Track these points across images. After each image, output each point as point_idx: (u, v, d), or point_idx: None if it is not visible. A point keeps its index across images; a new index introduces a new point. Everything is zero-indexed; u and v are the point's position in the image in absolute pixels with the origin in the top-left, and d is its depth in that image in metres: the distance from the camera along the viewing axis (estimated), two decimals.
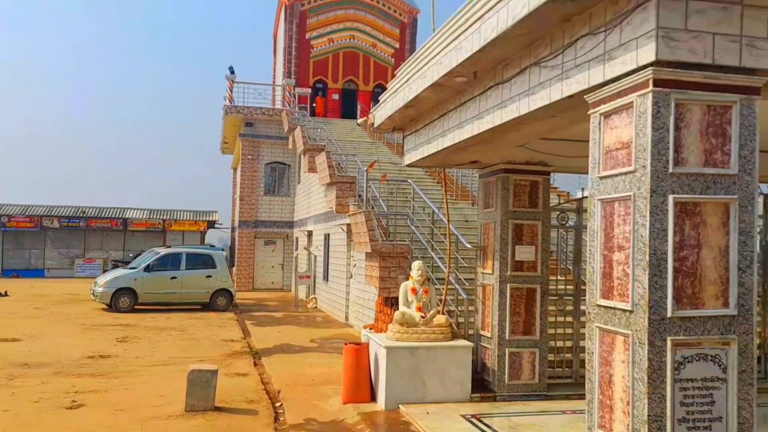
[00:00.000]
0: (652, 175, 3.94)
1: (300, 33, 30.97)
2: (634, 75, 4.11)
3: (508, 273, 8.48)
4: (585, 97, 4.66)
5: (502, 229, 8.50)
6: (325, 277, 20.40)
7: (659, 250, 3.93)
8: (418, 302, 8.66)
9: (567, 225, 9.24)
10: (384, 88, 32.93)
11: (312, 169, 19.44)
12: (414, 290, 8.72)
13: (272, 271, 28.33)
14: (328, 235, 20.11)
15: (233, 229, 33.11)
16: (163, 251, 20.99)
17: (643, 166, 4.00)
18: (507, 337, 8.46)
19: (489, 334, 8.68)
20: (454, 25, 5.98)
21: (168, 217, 35.58)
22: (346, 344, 8.82)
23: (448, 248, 9.32)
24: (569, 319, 9.28)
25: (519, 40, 5.31)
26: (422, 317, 8.52)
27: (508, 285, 8.48)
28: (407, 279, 9.98)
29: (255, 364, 11.73)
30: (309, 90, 29.83)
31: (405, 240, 11.73)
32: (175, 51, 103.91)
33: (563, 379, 9.09)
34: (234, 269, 27.58)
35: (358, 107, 30.73)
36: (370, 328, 12.39)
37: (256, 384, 10.07)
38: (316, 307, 21.27)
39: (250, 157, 27.87)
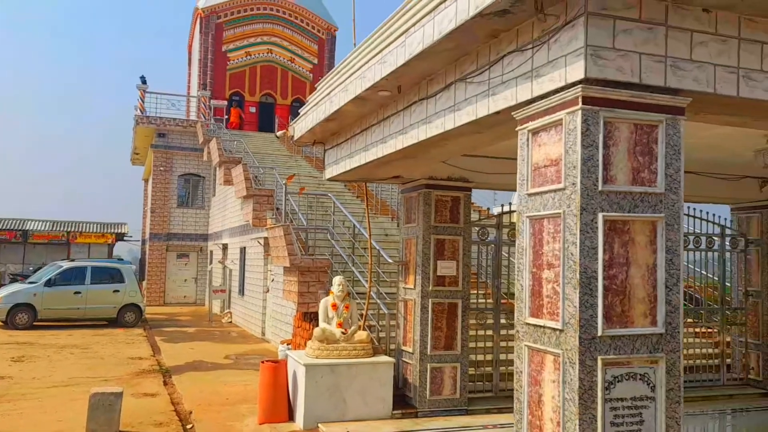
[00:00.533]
0: (582, 192, 3.91)
1: (216, 45, 30.25)
2: (562, 92, 4.09)
3: (430, 288, 8.42)
4: (513, 113, 4.62)
5: (423, 244, 8.43)
6: (241, 292, 19.87)
7: (589, 268, 3.90)
8: (339, 318, 8.46)
9: (487, 240, 9.28)
10: (302, 103, 32.68)
11: (228, 181, 18.94)
12: (335, 306, 8.52)
13: (185, 285, 27.43)
14: (244, 248, 19.62)
15: (144, 242, 31.88)
16: (66, 264, 19.93)
17: (573, 184, 3.97)
18: (429, 353, 8.38)
19: (411, 350, 8.57)
20: (379, 38, 5.87)
21: (73, 229, 33.72)
22: (263, 362, 8.51)
23: (370, 262, 9.19)
24: (489, 332, 9.30)
25: (445, 55, 5.25)
26: (343, 333, 8.32)
27: (430, 300, 8.42)
28: (327, 294, 9.76)
29: (165, 383, 11.19)
30: (225, 102, 29.19)
31: (325, 254, 11.51)
32: (86, 59, 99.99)
33: (483, 393, 9.09)
34: (144, 283, 26.52)
35: (276, 121, 30.29)
36: (288, 344, 12.08)
37: (166, 405, 9.58)
38: (231, 322, 20.68)
39: (162, 168, 26.97)
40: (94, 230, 33.69)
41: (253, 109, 30.71)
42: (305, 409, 7.85)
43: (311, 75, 31.51)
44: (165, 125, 26.63)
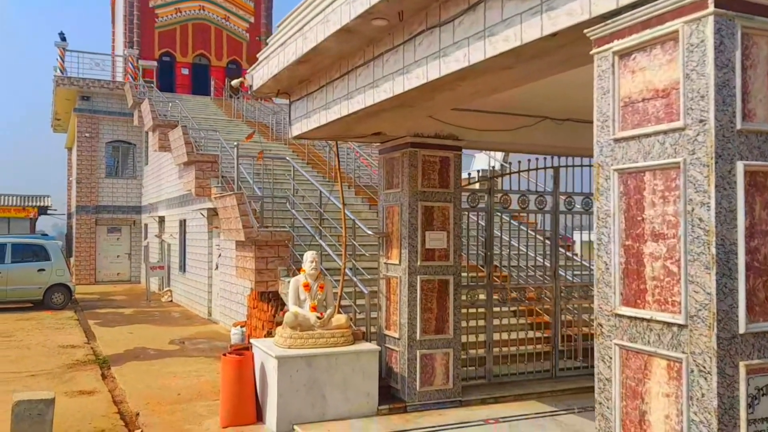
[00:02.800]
0: (717, 132, 2.78)
1: (142, 0, 27.92)
2: None
3: (418, 263, 7.25)
4: (585, 31, 3.44)
5: (410, 212, 7.24)
6: (182, 268, 18.28)
7: (727, 239, 2.78)
8: (313, 300, 7.22)
9: (478, 207, 8.14)
10: (239, 65, 30.30)
11: (164, 147, 17.18)
12: (307, 286, 7.26)
13: (118, 261, 25.50)
14: (185, 221, 17.98)
15: (70, 216, 29.58)
16: None
17: (701, 121, 2.82)
18: (418, 337, 7.24)
19: (396, 335, 7.42)
20: None
21: None
22: (225, 354, 7.22)
23: (344, 234, 7.91)
24: (481, 310, 8.22)
25: None
26: (319, 318, 7.10)
27: (418, 277, 7.25)
28: (288, 271, 8.50)
29: (103, 377, 9.73)
30: (155, 63, 27.04)
31: (285, 226, 10.18)
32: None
33: (476, 380, 8.04)
34: (72, 260, 24.48)
35: (212, 83, 28.28)
36: (242, 326, 10.80)
37: (107, 405, 8.16)
38: (171, 301, 19.10)
39: (87, 134, 24.78)
40: (14, 203, 31.13)
41: (185, 71, 28.59)
42: (278, 409, 6.61)
43: (248, 35, 29.59)
44: (89, 87, 24.37)
